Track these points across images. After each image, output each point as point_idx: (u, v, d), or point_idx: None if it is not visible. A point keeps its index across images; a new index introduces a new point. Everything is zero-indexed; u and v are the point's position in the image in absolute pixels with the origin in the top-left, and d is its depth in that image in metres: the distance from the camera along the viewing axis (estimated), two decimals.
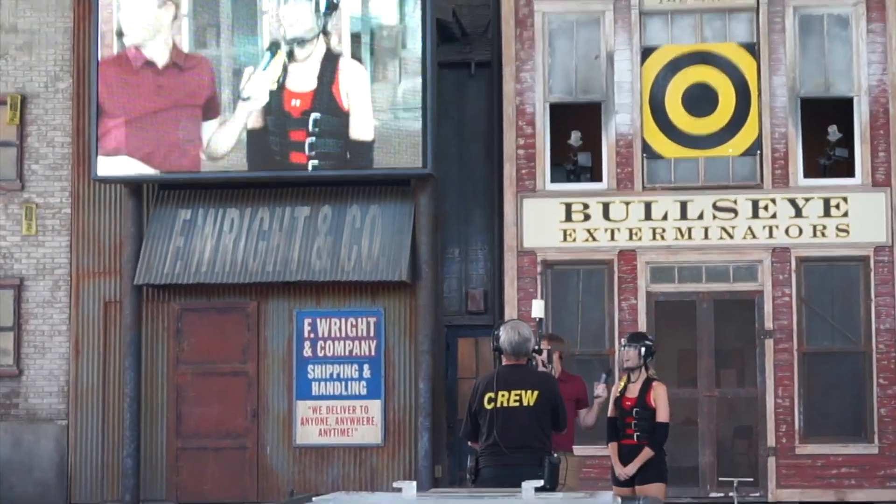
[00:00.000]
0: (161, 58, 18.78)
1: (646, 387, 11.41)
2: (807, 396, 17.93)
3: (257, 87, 18.55)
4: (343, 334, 18.69)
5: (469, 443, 9.50)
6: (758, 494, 17.68)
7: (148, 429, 18.79)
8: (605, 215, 18.29)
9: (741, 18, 18.50)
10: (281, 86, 18.46)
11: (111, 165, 18.55)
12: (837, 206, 18.07)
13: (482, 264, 19.50)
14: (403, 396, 18.58)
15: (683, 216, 18.23)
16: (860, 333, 18.00)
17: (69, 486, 19.04)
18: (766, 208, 18.13)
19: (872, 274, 17.95)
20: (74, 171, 19.39)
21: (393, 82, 18.34)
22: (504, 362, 9.26)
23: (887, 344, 17.87)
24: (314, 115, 18.35)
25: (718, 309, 18.18)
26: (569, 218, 18.32)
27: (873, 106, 18.15)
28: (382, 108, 18.27)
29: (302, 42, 18.56)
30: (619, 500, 6.55)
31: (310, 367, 18.68)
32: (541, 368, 10.81)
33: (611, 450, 11.61)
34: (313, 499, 6.51)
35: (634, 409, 11.36)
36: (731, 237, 18.15)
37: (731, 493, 15.62)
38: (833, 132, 18.43)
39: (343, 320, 18.73)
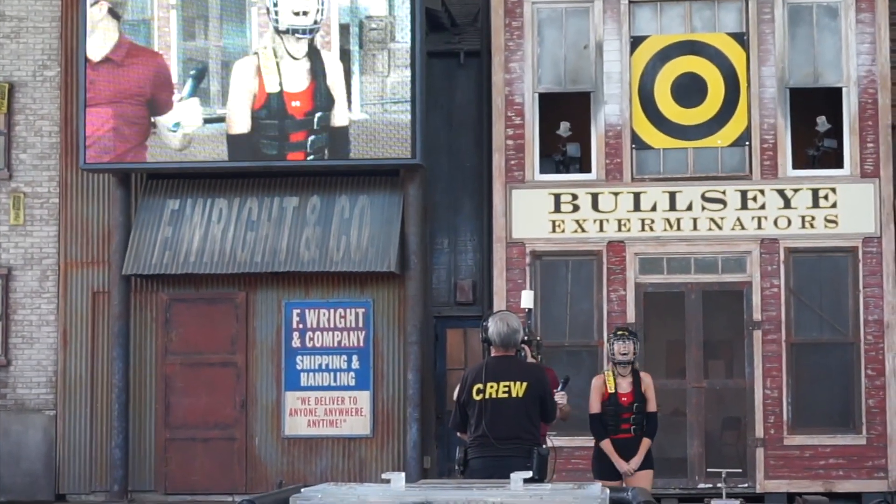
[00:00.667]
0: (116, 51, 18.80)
1: (637, 380, 11.52)
2: (795, 387, 17.95)
3: (187, 114, 18.45)
4: (332, 325, 18.67)
5: (458, 434, 9.50)
6: (746, 485, 17.70)
7: (136, 419, 18.76)
8: (594, 206, 18.28)
9: (730, 8, 18.48)
10: (280, 86, 18.40)
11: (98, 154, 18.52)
12: (826, 197, 18.08)
13: (471, 255, 19.49)
14: (392, 387, 18.58)
15: (672, 207, 18.22)
16: (848, 324, 18.02)
17: (57, 477, 19.01)
18: (754, 199, 18.14)
19: (861, 265, 17.96)
20: (62, 161, 19.33)
21: (381, 74, 18.31)
22: (493, 353, 9.26)
23: (875, 335, 17.88)
24: (318, 115, 18.32)
25: (707, 300, 18.19)
26: (558, 209, 18.31)
27: (862, 96, 18.15)
28: (371, 101, 18.23)
29: (302, 31, 18.48)
30: (608, 491, 6.56)
31: (298, 357, 18.66)
32: (530, 359, 10.82)
33: (605, 447, 11.63)
34: (302, 490, 6.51)
35: (634, 405, 11.46)
36: (720, 228, 18.16)
37: (719, 485, 15.63)
38: (822, 123, 18.44)
39: (332, 311, 18.71)
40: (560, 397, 11.28)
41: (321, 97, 18.29)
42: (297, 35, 18.41)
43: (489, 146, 18.67)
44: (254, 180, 18.88)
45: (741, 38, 18.34)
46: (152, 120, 18.50)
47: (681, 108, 18.37)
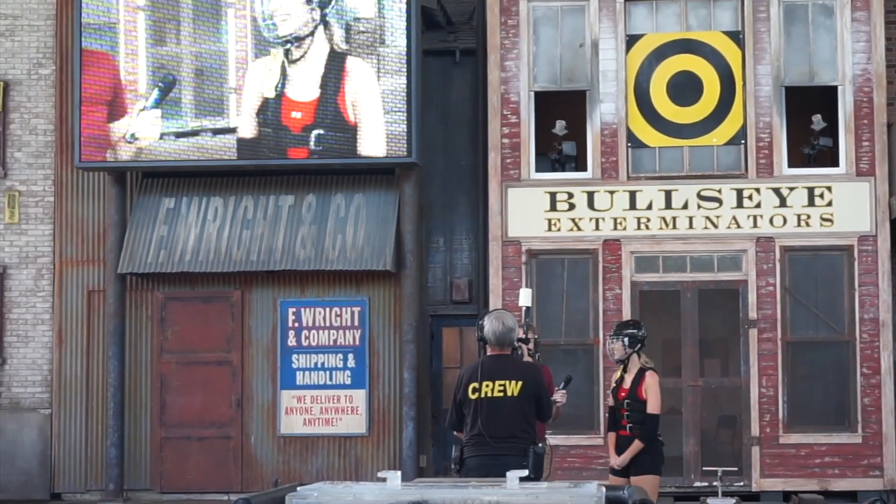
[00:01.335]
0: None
1: (638, 377, 11.35)
2: (790, 386, 17.95)
3: (145, 126, 18.41)
4: (327, 324, 18.66)
5: (454, 432, 9.49)
6: (742, 484, 17.71)
7: (132, 418, 18.75)
8: (590, 205, 18.27)
9: (726, 7, 18.48)
10: (280, 94, 18.36)
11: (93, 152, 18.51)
12: (821, 196, 18.09)
13: (467, 254, 19.48)
14: (388, 386, 18.57)
15: (668, 206, 18.22)
16: (844, 323, 18.03)
17: (52, 476, 19.00)
18: (750, 198, 18.14)
19: (856, 263, 17.97)
20: (57, 159, 19.31)
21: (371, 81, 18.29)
22: (489, 352, 9.25)
23: (871, 333, 17.89)
24: (316, 132, 18.28)
25: (703, 298, 18.20)
26: (553, 207, 18.31)
27: (857, 95, 18.16)
28: (363, 108, 18.16)
29: (298, 39, 18.44)
30: (604, 489, 6.55)
31: (294, 356, 18.65)
32: (526, 358, 10.81)
33: (609, 440, 11.62)
34: (297, 489, 6.49)
35: (626, 401, 11.34)
36: (716, 227, 18.16)
37: (715, 483, 15.63)
38: (817, 121, 18.44)
39: (327, 310, 18.70)
40: (560, 396, 11.27)
41: (317, 107, 18.21)
42: (279, 41, 18.34)
43: (485, 145, 18.66)
44: (249, 179, 18.87)
45: (737, 37, 18.34)
46: (109, 126, 18.46)
47: (676, 106, 18.37)
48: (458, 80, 19.71)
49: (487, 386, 9.02)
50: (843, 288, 18.05)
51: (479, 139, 18.93)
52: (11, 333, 19.31)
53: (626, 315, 17.72)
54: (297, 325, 18.70)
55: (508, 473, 6.55)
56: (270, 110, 18.33)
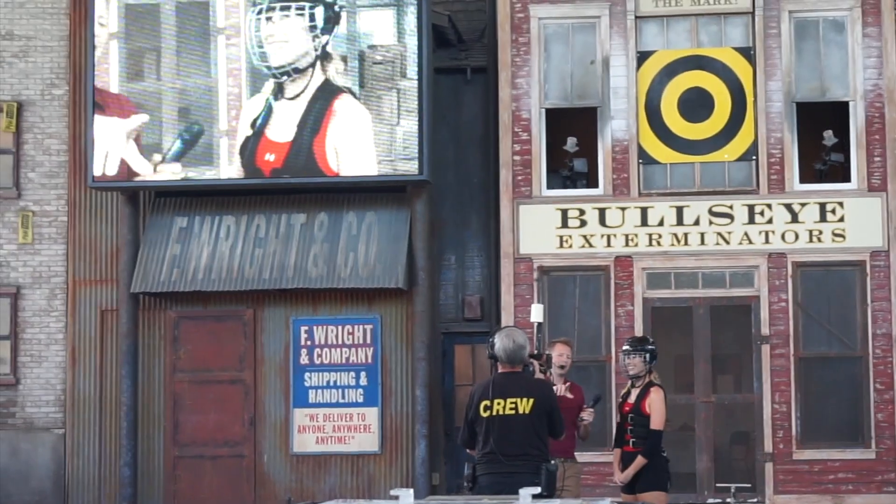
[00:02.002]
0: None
1: (643, 392, 11.38)
2: (803, 402, 17.92)
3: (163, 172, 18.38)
4: (340, 342, 18.66)
5: (467, 450, 9.49)
6: (755, 500, 17.66)
7: (145, 437, 18.76)
8: (602, 221, 18.28)
9: (737, 23, 18.51)
10: (259, 132, 18.23)
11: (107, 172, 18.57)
12: (833, 212, 18.08)
13: (479, 271, 19.49)
14: (400, 404, 18.56)
15: (679, 222, 18.22)
16: (856, 338, 18.00)
17: (66, 496, 19.01)
18: (762, 213, 18.13)
19: (868, 279, 17.95)
20: (70, 179, 19.37)
21: (390, 121, 18.14)
22: (500, 370, 9.25)
23: (884, 349, 17.86)
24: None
25: (715, 314, 18.18)
26: (565, 224, 18.32)
27: (869, 110, 18.16)
28: (379, 155, 18.08)
29: (295, 72, 18.32)
30: None
31: (306, 374, 18.65)
32: (538, 375, 10.80)
33: (614, 455, 11.62)
34: None
35: (630, 416, 11.35)
36: (728, 243, 18.15)
37: (728, 500, 15.62)
38: (829, 137, 18.44)
39: (339, 328, 18.70)
40: (588, 415, 11.25)
41: (305, 157, 18.11)
42: (278, 75, 18.29)
43: (496, 162, 18.69)
44: (261, 197, 18.90)
45: (748, 53, 18.36)
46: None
47: (687, 122, 18.38)
48: (469, 98, 19.73)
49: (499, 404, 9.02)
50: (855, 303, 18.03)
51: (491, 156, 18.96)
52: (25, 353, 19.35)
53: (639, 331, 17.70)
54: (309, 343, 18.70)
55: (521, 490, 6.57)
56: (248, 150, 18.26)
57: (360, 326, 18.67)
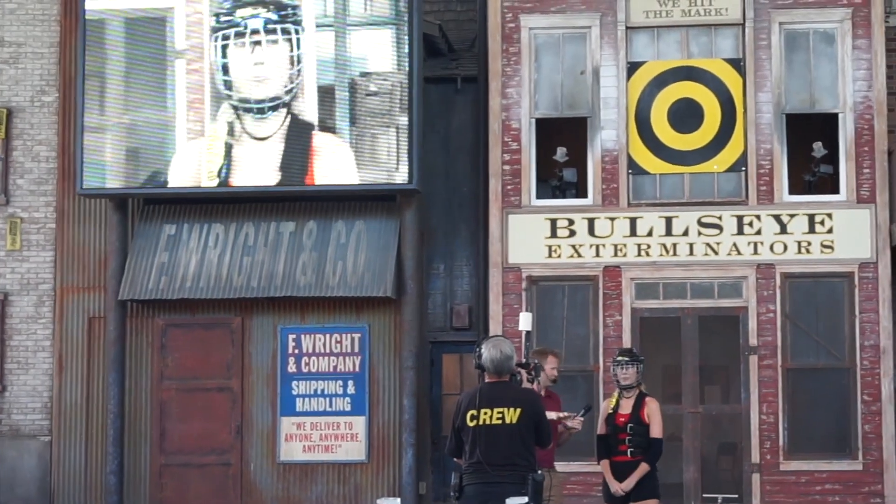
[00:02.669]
0: None
1: (639, 402, 11.46)
2: (791, 413, 17.92)
3: None
4: (327, 350, 18.64)
5: (454, 459, 9.48)
6: None
7: (131, 445, 18.71)
8: (591, 231, 18.29)
9: (727, 34, 18.53)
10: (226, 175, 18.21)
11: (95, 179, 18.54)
12: (822, 223, 18.09)
13: (467, 280, 19.48)
14: (388, 413, 18.54)
15: (668, 232, 18.23)
16: (844, 350, 18.01)
17: (52, 503, 18.95)
18: (750, 224, 18.15)
19: (857, 290, 17.97)
20: (59, 186, 19.34)
21: (386, 164, 18.01)
22: (487, 379, 9.24)
23: (871, 360, 17.87)
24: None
25: (703, 325, 18.18)
26: (554, 234, 18.32)
27: (858, 122, 18.19)
28: (366, 163, 18.08)
29: (265, 110, 18.29)
30: None
31: (294, 383, 18.62)
32: (525, 384, 10.79)
33: (603, 467, 11.61)
34: None
35: (629, 426, 11.40)
36: (716, 253, 18.16)
37: None
38: (818, 148, 18.47)
39: (327, 336, 18.68)
40: (577, 423, 11.25)
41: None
42: (255, 110, 18.29)
43: (486, 171, 18.69)
44: (250, 205, 18.89)
45: (738, 64, 18.38)
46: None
47: (677, 133, 18.39)
48: (459, 107, 19.74)
49: (486, 413, 9.00)
50: (843, 315, 18.04)
51: (480, 166, 18.96)
52: (12, 360, 19.31)
53: (627, 342, 17.71)
54: (297, 351, 18.68)
55: (507, 500, 6.56)
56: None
57: (349, 335, 18.65)
